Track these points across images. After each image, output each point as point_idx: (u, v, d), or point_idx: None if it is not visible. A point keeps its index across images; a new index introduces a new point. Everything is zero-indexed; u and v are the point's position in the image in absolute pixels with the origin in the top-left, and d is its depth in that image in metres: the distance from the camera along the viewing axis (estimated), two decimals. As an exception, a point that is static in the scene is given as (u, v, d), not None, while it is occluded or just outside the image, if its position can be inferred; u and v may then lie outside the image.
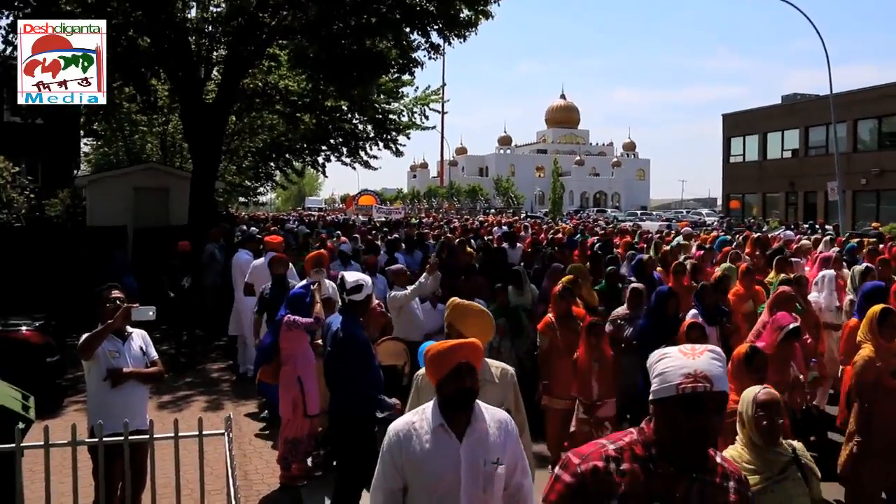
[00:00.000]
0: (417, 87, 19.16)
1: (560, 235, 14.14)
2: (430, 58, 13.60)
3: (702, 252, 9.15)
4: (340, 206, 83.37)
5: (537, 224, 22.76)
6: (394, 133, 19.54)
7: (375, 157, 20.93)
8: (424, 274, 6.55)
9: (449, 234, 14.65)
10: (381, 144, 19.89)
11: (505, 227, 18.10)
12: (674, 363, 1.60)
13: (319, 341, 5.09)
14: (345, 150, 20.78)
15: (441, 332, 3.95)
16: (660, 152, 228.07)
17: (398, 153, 19.84)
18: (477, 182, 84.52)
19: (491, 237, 13.75)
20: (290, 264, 7.05)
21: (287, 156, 23.82)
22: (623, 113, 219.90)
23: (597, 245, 11.34)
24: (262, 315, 6.37)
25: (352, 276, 4.05)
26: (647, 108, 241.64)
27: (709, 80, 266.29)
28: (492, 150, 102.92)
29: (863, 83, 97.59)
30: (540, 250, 9.99)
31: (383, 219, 26.53)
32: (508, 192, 69.46)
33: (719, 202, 53.41)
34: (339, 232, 14.55)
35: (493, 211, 55.45)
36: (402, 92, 18.78)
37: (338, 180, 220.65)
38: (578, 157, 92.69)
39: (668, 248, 10.15)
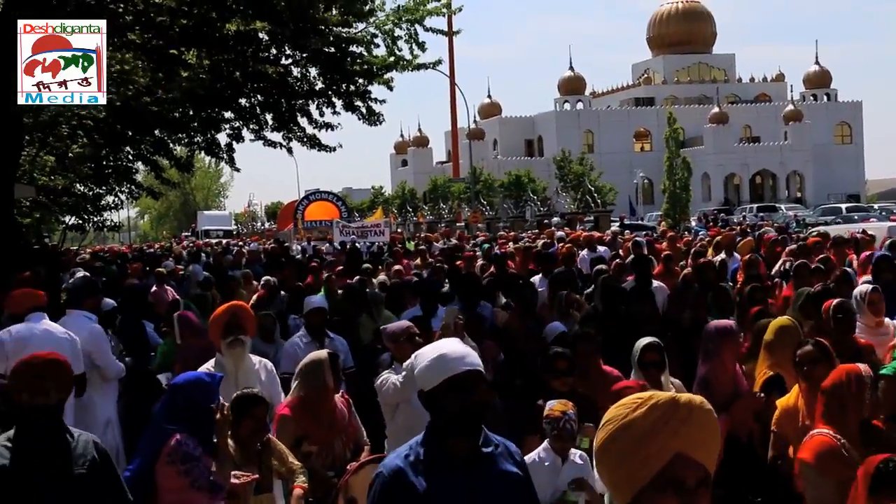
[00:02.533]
0: (402, -9, 18.84)
1: (755, 255, 14.03)
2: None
3: None
4: (268, 225, 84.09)
5: (672, 239, 21.17)
6: (361, 81, 19.31)
7: (330, 128, 20.66)
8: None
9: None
10: (338, 103, 19.66)
11: (604, 249, 18.21)
12: None
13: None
14: (269, 116, 20.59)
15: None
16: (882, 89, 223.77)
17: (372, 117, 19.58)
18: (524, 167, 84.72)
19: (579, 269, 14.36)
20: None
21: (158, 133, 23.65)
22: (803, 15, 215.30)
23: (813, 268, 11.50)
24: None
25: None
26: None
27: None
28: (548, 104, 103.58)
29: None
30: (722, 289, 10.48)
31: (358, 244, 26.48)
32: (584, 182, 69.31)
33: None
34: (268, 278, 14.71)
35: (556, 220, 55.21)
36: (375, 1, 18.55)
37: (260, 178, 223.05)
38: (717, 109, 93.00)
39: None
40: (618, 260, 14.97)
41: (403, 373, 6.89)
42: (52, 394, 4.78)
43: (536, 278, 13.11)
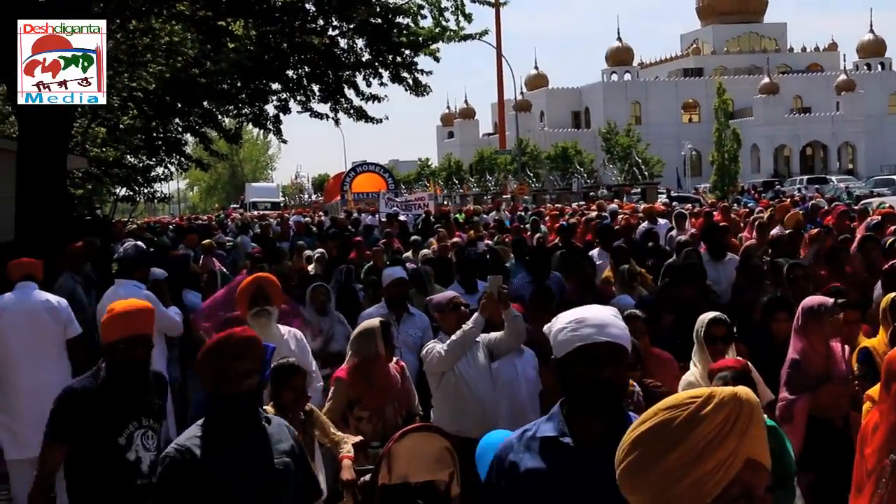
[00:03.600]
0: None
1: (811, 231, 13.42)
2: None
3: None
4: (315, 197, 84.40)
5: (727, 210, 20.81)
6: (408, 52, 19.25)
7: (377, 100, 20.62)
8: (475, 315, 7.03)
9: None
10: (385, 75, 19.61)
11: (664, 223, 17.94)
12: None
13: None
14: (316, 88, 20.58)
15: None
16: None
17: (419, 89, 19.52)
18: (571, 139, 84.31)
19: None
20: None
21: (207, 104, 23.77)
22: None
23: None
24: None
25: None
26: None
27: None
28: (595, 75, 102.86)
29: None
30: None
31: (403, 217, 26.55)
32: (631, 154, 68.81)
33: None
34: (321, 250, 14.96)
35: (603, 192, 54.93)
36: (422, -29, 18.46)
37: (307, 150, 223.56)
38: (767, 79, 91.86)
39: None
40: (673, 232, 14.86)
41: (448, 342, 6.95)
42: (254, 377, 4.12)
43: (595, 251, 12.93)
